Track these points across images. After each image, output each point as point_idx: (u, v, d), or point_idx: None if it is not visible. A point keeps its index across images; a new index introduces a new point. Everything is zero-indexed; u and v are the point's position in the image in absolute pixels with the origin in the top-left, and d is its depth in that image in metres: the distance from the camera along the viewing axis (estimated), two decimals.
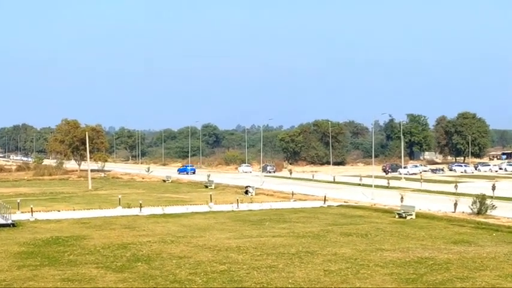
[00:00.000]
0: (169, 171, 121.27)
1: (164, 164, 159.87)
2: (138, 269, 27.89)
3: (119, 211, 51.98)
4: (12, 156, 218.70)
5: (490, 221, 44.56)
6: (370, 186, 69.14)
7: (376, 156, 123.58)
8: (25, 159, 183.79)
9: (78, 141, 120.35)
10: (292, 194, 64.44)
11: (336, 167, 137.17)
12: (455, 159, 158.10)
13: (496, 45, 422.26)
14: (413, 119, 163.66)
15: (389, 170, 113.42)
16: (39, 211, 50.53)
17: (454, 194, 63.03)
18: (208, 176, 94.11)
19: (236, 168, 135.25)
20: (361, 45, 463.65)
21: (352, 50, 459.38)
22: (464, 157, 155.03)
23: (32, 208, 48.36)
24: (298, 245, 34.17)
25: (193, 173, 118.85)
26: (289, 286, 24.76)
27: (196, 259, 30.05)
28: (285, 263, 28.93)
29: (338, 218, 46.90)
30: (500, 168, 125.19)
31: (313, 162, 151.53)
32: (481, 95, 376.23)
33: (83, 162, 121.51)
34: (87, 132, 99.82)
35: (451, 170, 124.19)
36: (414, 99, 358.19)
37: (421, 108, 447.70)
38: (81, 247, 33.83)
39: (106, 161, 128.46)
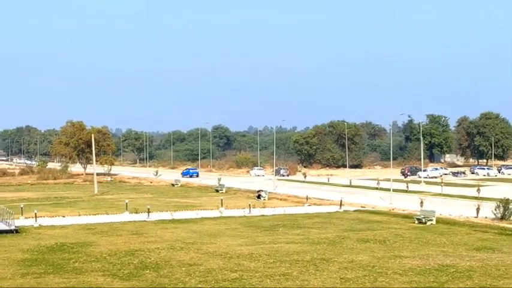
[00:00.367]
0: (178, 175, 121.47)
1: (173, 168, 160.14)
2: (146, 277, 27.93)
3: (126, 216, 52.09)
4: (16, 160, 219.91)
5: None
6: (388, 190, 68.93)
7: (394, 159, 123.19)
8: (29, 162, 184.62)
9: (83, 144, 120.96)
10: (307, 198, 64.35)
11: (353, 170, 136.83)
12: (478, 162, 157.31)
13: None
14: (434, 119, 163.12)
15: (408, 173, 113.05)
16: (44, 216, 50.73)
17: (476, 198, 62.79)
18: (219, 179, 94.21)
19: (248, 172, 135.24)
20: (380, 44, 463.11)
21: (370, 49, 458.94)
22: (487, 159, 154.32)
23: (35, 213, 48.55)
24: (313, 251, 34.11)
25: (197, 176, 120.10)
26: None
27: (206, 267, 30.06)
28: (299, 271, 28.89)
29: (355, 224, 46.80)
30: None
31: (328, 165, 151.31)
32: (505, 94, 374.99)
33: (88, 166, 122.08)
34: (93, 135, 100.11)
35: (473, 173, 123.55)
36: (434, 99, 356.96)
37: (441, 109, 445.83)
38: (87, 254, 33.92)
39: (113, 164, 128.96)
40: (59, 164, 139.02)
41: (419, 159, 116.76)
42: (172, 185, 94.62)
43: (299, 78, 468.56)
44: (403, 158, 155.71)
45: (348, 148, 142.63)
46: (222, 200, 59.18)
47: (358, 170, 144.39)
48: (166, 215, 52.32)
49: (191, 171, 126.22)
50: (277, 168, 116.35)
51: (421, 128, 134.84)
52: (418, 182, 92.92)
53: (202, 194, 78.97)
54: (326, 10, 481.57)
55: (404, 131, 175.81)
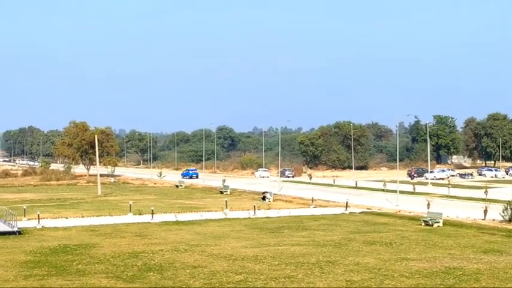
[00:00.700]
0: (180, 176, 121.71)
1: (177, 169, 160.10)
2: (149, 279, 27.95)
3: (129, 218, 52.15)
4: (18, 161, 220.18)
5: None
6: (395, 191, 68.87)
7: (400, 160, 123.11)
8: (31, 163, 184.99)
9: (86, 145, 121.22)
10: (312, 200, 64.34)
11: (358, 171, 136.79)
12: (485, 163, 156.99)
13: None
14: (441, 120, 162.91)
15: (415, 175, 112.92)
16: (46, 218, 50.79)
17: (484, 200, 62.69)
18: (224, 181, 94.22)
19: (253, 173, 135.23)
20: (386, 44, 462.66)
21: (377, 49, 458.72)
22: (495, 161, 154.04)
23: (38, 215, 48.59)
24: (319, 254, 34.10)
25: (196, 177, 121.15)
26: None
27: (211, 269, 30.06)
28: (304, 273, 28.88)
29: (361, 226, 46.77)
30: None
31: (334, 167, 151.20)
32: None
33: (91, 167, 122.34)
34: (96, 135, 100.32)
35: (480, 174, 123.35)
36: (441, 100, 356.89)
37: (448, 109, 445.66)
38: (90, 256, 33.96)
39: (116, 165, 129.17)
40: (62, 165, 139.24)
41: (426, 161, 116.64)
42: (177, 186, 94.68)
43: (304, 79, 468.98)
44: (410, 159, 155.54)
45: (354, 149, 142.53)
46: (226, 201, 59.18)
47: (364, 171, 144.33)
48: (170, 217, 52.35)
49: (191, 172, 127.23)
50: (282, 169, 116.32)
51: (427, 129, 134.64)
52: (425, 184, 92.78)
53: (207, 195, 79.00)
54: (331, 10, 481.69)
55: (411, 132, 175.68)
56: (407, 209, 57.90)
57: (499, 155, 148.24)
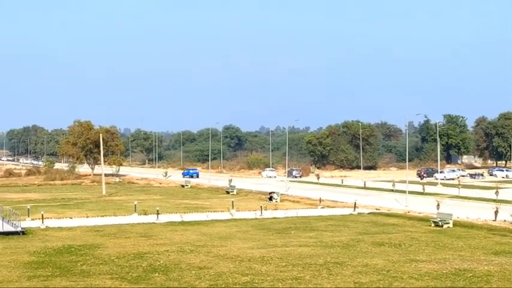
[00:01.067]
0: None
1: (183, 168, 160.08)
2: (155, 280, 27.98)
3: (134, 218, 52.20)
4: (22, 160, 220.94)
5: None
6: (404, 192, 68.72)
7: (410, 160, 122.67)
8: (35, 162, 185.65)
9: (91, 144, 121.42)
10: (320, 200, 64.30)
11: (367, 171, 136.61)
12: (496, 164, 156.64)
13: None
14: (451, 120, 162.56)
15: (425, 175, 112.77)
16: (50, 218, 50.90)
17: (494, 200, 62.54)
18: (230, 181, 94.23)
19: (259, 173, 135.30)
20: (395, 44, 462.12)
21: (385, 48, 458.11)
22: (506, 161, 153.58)
23: (42, 215, 48.70)
24: (326, 255, 34.08)
25: (197, 176, 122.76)
26: None
27: (217, 270, 30.07)
28: (312, 275, 28.86)
29: (369, 227, 46.72)
30: None
31: (342, 167, 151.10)
32: None
33: (96, 166, 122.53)
34: (101, 134, 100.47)
35: (491, 175, 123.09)
36: (452, 99, 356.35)
37: (459, 109, 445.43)
38: (95, 257, 34.01)
39: (121, 164, 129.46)
40: (66, 164, 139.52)
41: (436, 161, 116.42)
42: (182, 186, 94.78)
43: (312, 78, 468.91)
44: (419, 159, 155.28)
45: (363, 149, 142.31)
46: (232, 201, 59.19)
47: (372, 171, 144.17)
48: (175, 217, 52.39)
49: (191, 171, 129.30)
50: (289, 169, 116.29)
51: (437, 128, 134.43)
52: (435, 184, 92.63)
53: (213, 195, 79.03)
54: (337, 9, 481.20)
55: (420, 131, 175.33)
56: (416, 210, 57.81)
57: (510, 155, 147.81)
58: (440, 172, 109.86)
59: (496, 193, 67.34)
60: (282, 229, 45.29)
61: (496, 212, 49.65)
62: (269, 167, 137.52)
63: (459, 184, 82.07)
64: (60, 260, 32.96)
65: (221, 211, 56.71)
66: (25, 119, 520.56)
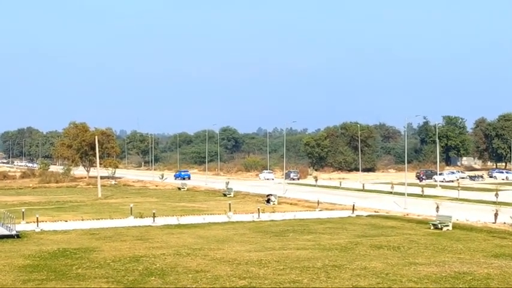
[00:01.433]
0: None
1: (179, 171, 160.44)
2: (151, 284, 27.97)
3: (130, 221, 52.21)
4: (17, 162, 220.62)
5: None
6: (403, 194, 68.83)
7: (409, 162, 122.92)
8: (30, 165, 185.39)
9: (87, 146, 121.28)
10: (318, 203, 64.33)
11: (366, 173, 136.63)
12: (496, 165, 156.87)
13: None
14: (450, 121, 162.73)
15: (424, 177, 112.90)
16: (45, 221, 50.91)
17: (494, 203, 62.62)
18: (227, 183, 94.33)
19: (257, 175, 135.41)
20: (394, 44, 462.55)
21: (384, 49, 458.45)
22: (506, 163, 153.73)
23: (37, 218, 48.72)
24: (325, 258, 34.09)
25: (188, 178, 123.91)
26: None
27: (214, 273, 30.07)
28: (310, 278, 28.87)
29: (368, 229, 46.75)
30: None
31: (340, 169, 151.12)
32: None
33: (92, 169, 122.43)
34: (96, 136, 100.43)
35: (491, 176, 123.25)
36: (451, 100, 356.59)
37: (458, 110, 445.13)
38: (90, 260, 33.99)
39: (117, 167, 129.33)
40: (62, 167, 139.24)
41: (435, 163, 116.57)
42: (179, 188, 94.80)
43: (310, 79, 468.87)
44: (418, 161, 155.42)
45: (361, 151, 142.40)
46: (230, 204, 59.22)
47: (371, 173, 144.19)
48: (172, 220, 52.41)
49: (183, 173, 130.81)
50: (287, 171, 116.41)
51: (437, 129, 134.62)
52: (434, 186, 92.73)
53: (210, 198, 79.04)
54: (338, 9, 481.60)
55: (419, 133, 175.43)
56: (415, 212, 57.89)
57: (510, 157, 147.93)
58: (440, 174, 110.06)
59: (495, 195, 67.43)
60: (280, 232, 45.32)
61: (496, 215, 49.73)
62: (267, 169, 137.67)
63: (458, 186, 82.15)
64: (55, 264, 32.94)
65: (218, 214, 56.74)
66: (20, 120, 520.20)
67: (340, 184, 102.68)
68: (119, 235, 44.06)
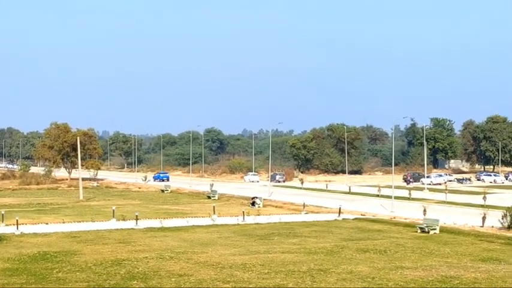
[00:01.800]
0: (168, 181, 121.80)
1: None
2: None
3: (112, 224, 52.03)
4: None
5: None
6: (390, 197, 68.98)
7: (396, 165, 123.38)
8: (10, 166, 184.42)
9: (68, 147, 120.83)
10: (304, 205, 64.34)
11: (352, 176, 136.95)
12: (484, 168, 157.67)
13: None
14: (438, 123, 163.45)
15: (411, 180, 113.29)
16: (26, 224, 50.61)
17: (482, 206, 62.88)
18: (211, 185, 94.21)
19: (242, 177, 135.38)
20: (380, 46, 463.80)
21: (371, 50, 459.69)
22: (494, 165, 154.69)
23: (17, 220, 48.42)
24: (310, 262, 34.11)
25: (167, 180, 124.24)
26: None
27: (197, 277, 30.03)
28: (295, 282, 28.88)
29: (354, 233, 46.82)
30: None
31: (326, 171, 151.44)
32: None
33: (73, 170, 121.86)
34: (78, 137, 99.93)
35: (479, 179, 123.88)
36: (439, 102, 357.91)
37: (446, 112, 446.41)
38: (71, 263, 33.84)
39: (99, 168, 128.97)
40: (43, 168, 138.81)
41: (423, 165, 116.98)
42: (162, 191, 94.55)
43: (296, 80, 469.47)
44: (406, 163, 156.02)
45: (348, 153, 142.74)
46: (214, 207, 59.13)
47: (358, 176, 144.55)
48: (155, 223, 52.27)
49: (161, 175, 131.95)
50: (272, 173, 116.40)
51: (424, 132, 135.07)
52: (421, 189, 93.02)
53: (194, 200, 78.94)
54: (322, 9, 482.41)
55: (407, 135, 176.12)
56: (402, 216, 58.03)
57: (499, 159, 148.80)
58: (427, 177, 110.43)
59: (483, 198, 67.70)
60: (265, 235, 45.31)
61: (484, 218, 49.91)
62: (252, 171, 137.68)
63: (446, 189, 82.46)
64: (36, 267, 32.77)
65: (202, 217, 56.63)
66: None
67: (327, 187, 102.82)
68: (101, 238, 43.90)
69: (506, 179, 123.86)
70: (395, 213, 60.53)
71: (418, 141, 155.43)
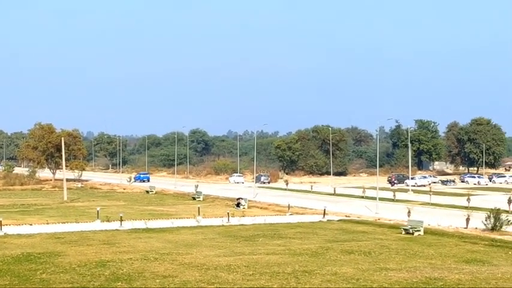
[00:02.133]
0: (154, 181, 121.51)
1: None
2: None
3: (97, 225, 51.88)
4: None
5: (506, 237, 44.70)
6: (374, 199, 69.20)
7: (381, 166, 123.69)
8: None
9: (52, 148, 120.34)
10: (289, 207, 64.38)
11: (337, 177, 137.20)
12: (468, 170, 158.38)
13: None
14: (422, 125, 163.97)
15: (396, 182, 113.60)
16: (9, 225, 50.37)
17: (466, 208, 63.10)
18: (196, 186, 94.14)
19: (227, 179, 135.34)
20: (365, 45, 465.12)
21: (355, 50, 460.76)
22: (478, 167, 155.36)
23: (1, 221, 48.15)
24: (295, 263, 34.14)
25: (148, 180, 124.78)
26: None
27: (182, 279, 29.99)
28: (279, 284, 28.89)
29: (338, 234, 46.91)
30: None
31: (311, 172, 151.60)
32: (497, 99, 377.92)
33: (58, 171, 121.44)
34: (62, 138, 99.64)
35: (463, 181, 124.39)
36: (423, 104, 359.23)
37: (430, 114, 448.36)
38: (55, 265, 33.71)
39: (83, 169, 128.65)
40: (27, 169, 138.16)
41: (407, 167, 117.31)
42: (147, 192, 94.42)
43: (281, 81, 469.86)
44: (390, 165, 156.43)
45: (333, 154, 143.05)
46: (199, 208, 59.07)
47: (342, 177, 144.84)
48: (140, 224, 52.16)
49: (142, 176, 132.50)
50: (257, 175, 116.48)
51: (409, 133, 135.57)
52: (406, 191, 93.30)
53: (179, 201, 78.84)
54: (309, 10, 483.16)
55: (391, 137, 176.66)
56: (387, 217, 58.21)
57: (482, 161, 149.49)
58: (412, 178, 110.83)
59: (467, 200, 67.97)
60: (250, 236, 45.31)
61: (468, 220, 50.14)
62: (237, 173, 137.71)
63: (430, 191, 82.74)
64: (19, 269, 32.62)
65: (187, 218, 56.59)
66: None
67: (311, 188, 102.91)
68: (85, 239, 43.76)
69: (490, 181, 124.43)
70: (379, 214, 60.70)
71: (403, 142, 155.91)
